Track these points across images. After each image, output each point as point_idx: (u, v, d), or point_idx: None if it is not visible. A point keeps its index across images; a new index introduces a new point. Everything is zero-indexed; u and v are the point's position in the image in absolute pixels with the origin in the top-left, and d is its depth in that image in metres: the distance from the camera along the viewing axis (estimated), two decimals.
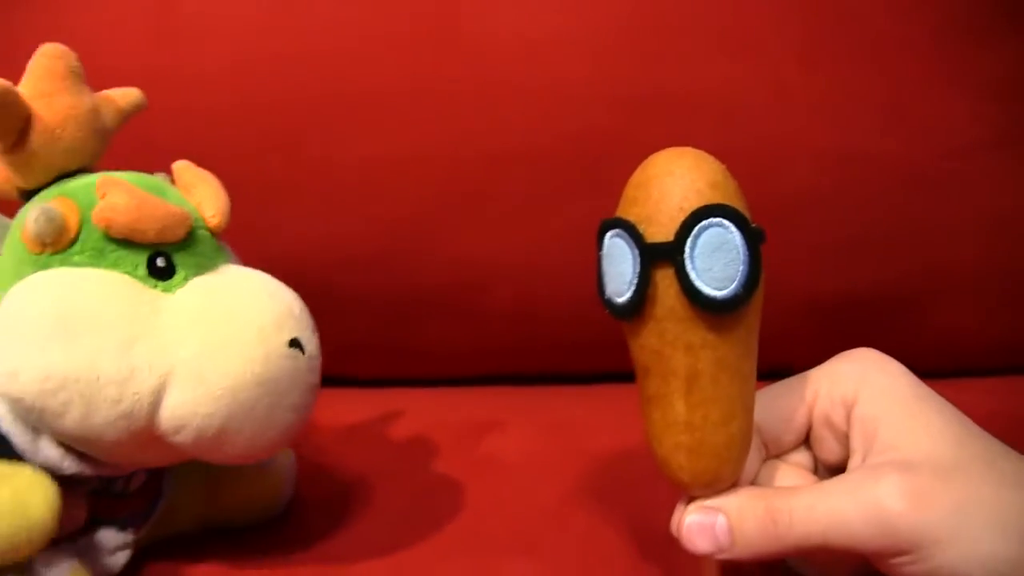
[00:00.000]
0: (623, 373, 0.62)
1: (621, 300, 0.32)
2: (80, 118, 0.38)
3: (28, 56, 0.38)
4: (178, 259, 0.38)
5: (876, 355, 0.36)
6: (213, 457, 0.37)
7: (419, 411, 0.59)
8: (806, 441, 0.37)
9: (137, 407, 0.34)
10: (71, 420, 0.34)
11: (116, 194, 0.36)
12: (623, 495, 0.46)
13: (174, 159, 0.41)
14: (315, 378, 0.38)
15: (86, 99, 0.39)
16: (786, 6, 0.58)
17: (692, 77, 0.57)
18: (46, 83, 0.38)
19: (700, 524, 0.33)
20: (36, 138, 0.37)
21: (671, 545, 0.39)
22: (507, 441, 0.54)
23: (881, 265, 0.60)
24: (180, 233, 0.37)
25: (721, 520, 0.32)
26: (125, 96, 0.41)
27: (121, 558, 0.39)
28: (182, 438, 0.35)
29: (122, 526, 0.40)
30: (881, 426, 0.33)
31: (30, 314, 0.34)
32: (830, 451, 0.36)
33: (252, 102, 0.57)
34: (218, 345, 0.35)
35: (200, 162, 0.41)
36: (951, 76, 0.58)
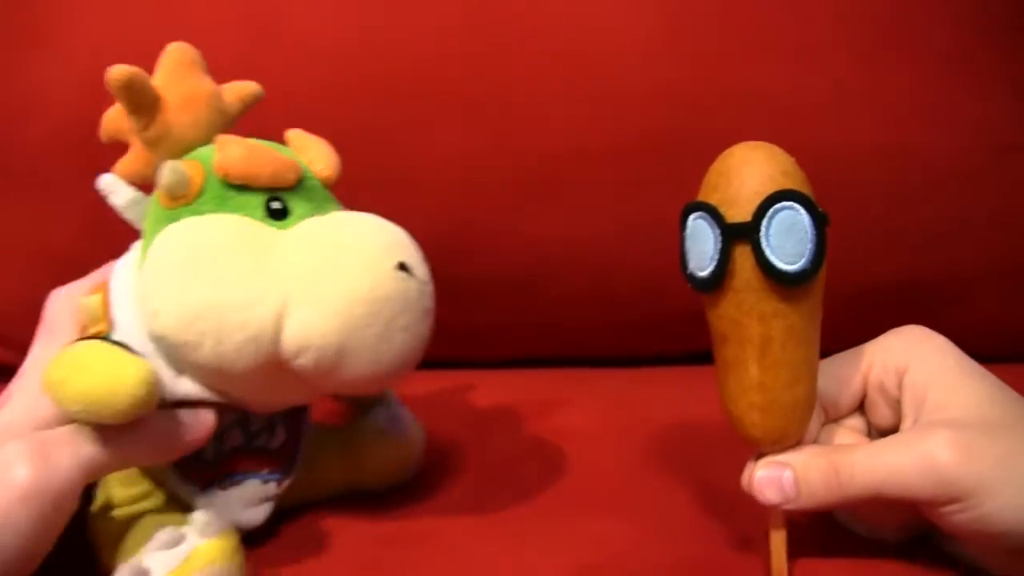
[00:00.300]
0: (684, 356, 0.67)
1: (703, 274, 0.35)
2: (202, 100, 0.42)
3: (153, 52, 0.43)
4: (292, 202, 0.41)
5: (925, 330, 0.40)
6: (337, 384, 0.39)
7: (493, 389, 0.63)
8: (861, 407, 0.41)
9: (262, 331, 0.37)
10: (206, 350, 0.37)
11: (232, 146, 0.40)
12: (690, 461, 0.50)
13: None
14: (427, 302, 0.40)
15: (208, 84, 0.43)
16: (841, 11, 0.61)
17: (752, 77, 0.60)
18: (174, 72, 0.42)
19: (769, 477, 0.37)
20: (166, 117, 0.41)
21: (736, 504, 0.43)
22: (579, 415, 0.58)
23: (927, 253, 0.63)
24: (291, 178, 0.41)
25: (788, 473, 0.36)
26: (245, 87, 0.45)
27: (264, 510, 0.43)
28: (305, 361, 0.37)
29: (264, 480, 0.43)
30: (930, 391, 0.37)
31: (165, 259, 0.38)
32: (883, 416, 0.39)
33: (340, 102, 0.61)
34: (330, 269, 0.37)
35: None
36: (994, 78, 0.61)
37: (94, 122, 0.61)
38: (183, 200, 0.40)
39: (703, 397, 0.57)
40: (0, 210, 0.65)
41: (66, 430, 0.35)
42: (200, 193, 0.40)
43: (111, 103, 0.60)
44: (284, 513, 0.45)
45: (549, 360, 0.69)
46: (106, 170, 0.61)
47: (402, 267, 0.38)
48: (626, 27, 0.61)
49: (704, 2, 0.61)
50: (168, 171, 0.39)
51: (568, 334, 0.68)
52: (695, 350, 0.67)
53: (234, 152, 0.40)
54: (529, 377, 0.67)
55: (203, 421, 0.39)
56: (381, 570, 0.41)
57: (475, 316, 0.65)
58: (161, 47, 0.60)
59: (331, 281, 0.37)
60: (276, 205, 0.40)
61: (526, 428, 0.56)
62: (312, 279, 0.37)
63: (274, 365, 0.38)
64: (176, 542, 0.36)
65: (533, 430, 0.56)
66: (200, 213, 0.40)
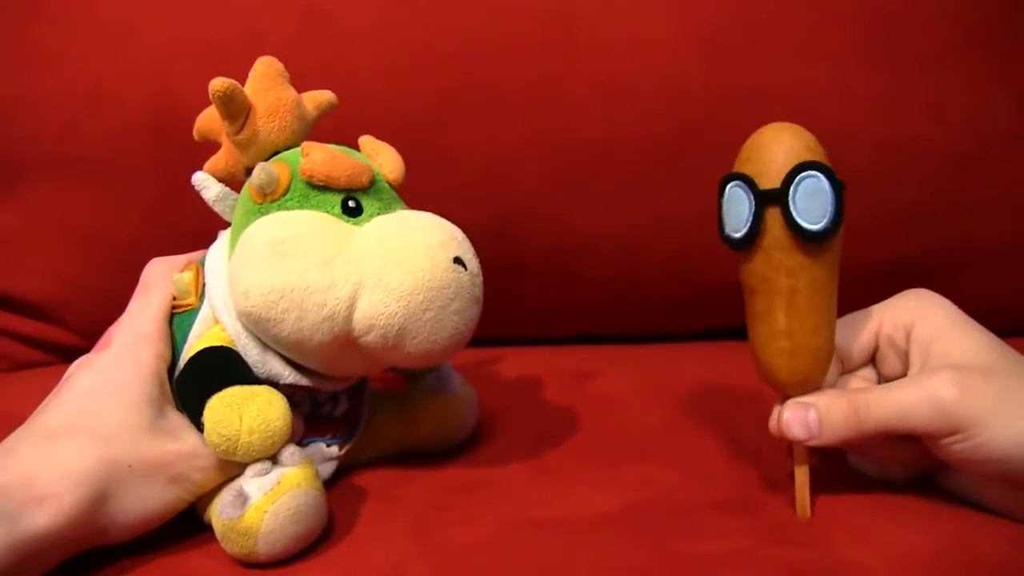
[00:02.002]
0: (705, 332, 0.71)
1: (738, 235, 0.41)
2: (287, 107, 0.47)
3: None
4: (365, 202, 0.46)
5: (930, 292, 0.45)
6: (397, 358, 0.44)
7: (530, 363, 0.67)
8: (872, 360, 0.46)
9: (337, 311, 0.42)
10: (288, 325, 0.42)
11: (316, 152, 0.45)
12: (717, 418, 0.55)
13: (330, 141, 0.49)
14: (477, 291, 0.45)
15: (291, 93, 0.48)
16: (849, 15, 0.65)
17: (767, 75, 0.65)
18: (262, 82, 0.47)
19: (795, 416, 0.42)
20: (255, 122, 0.47)
21: (761, 452, 0.48)
22: (612, 383, 0.63)
23: (929, 237, 0.67)
24: (364, 181, 0.46)
25: (812, 412, 0.41)
26: (322, 96, 0.51)
27: (327, 469, 0.48)
28: (372, 338, 0.43)
29: (328, 443, 0.48)
30: (935, 342, 0.42)
31: (255, 246, 0.43)
32: (891, 367, 0.44)
33: (391, 95, 0.65)
34: (396, 260, 0.42)
35: (346, 144, 0.49)
36: (992, 73, 0.66)
37: (156, 116, 0.66)
38: (271, 197, 0.45)
39: (725, 367, 0.63)
40: (64, 199, 0.68)
41: None
42: (286, 191, 0.45)
43: (171, 99, 0.65)
44: (349, 470, 0.50)
45: (580, 338, 0.73)
46: (167, 162, 0.66)
47: (457, 260, 0.44)
48: (653, 28, 0.65)
49: (724, 5, 0.65)
50: (261, 172, 0.45)
51: (597, 313, 0.72)
52: (715, 327, 0.72)
53: (318, 157, 0.45)
54: (562, 352, 0.71)
55: (298, 423, 0.46)
56: (444, 512, 0.45)
57: (511, 297, 0.69)
58: (223, 46, 0.65)
59: (396, 270, 0.42)
60: (352, 204, 0.46)
61: (564, 394, 0.61)
62: (380, 268, 0.42)
63: (345, 341, 0.43)
64: (268, 471, 0.41)
65: (571, 396, 0.61)
66: (286, 209, 0.45)
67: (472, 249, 0.46)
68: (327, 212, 0.45)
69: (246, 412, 0.41)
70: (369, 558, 0.41)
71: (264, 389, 0.43)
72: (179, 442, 0.42)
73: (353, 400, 0.50)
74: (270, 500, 0.40)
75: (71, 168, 0.68)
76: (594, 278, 0.70)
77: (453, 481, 0.49)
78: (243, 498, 0.40)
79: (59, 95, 0.66)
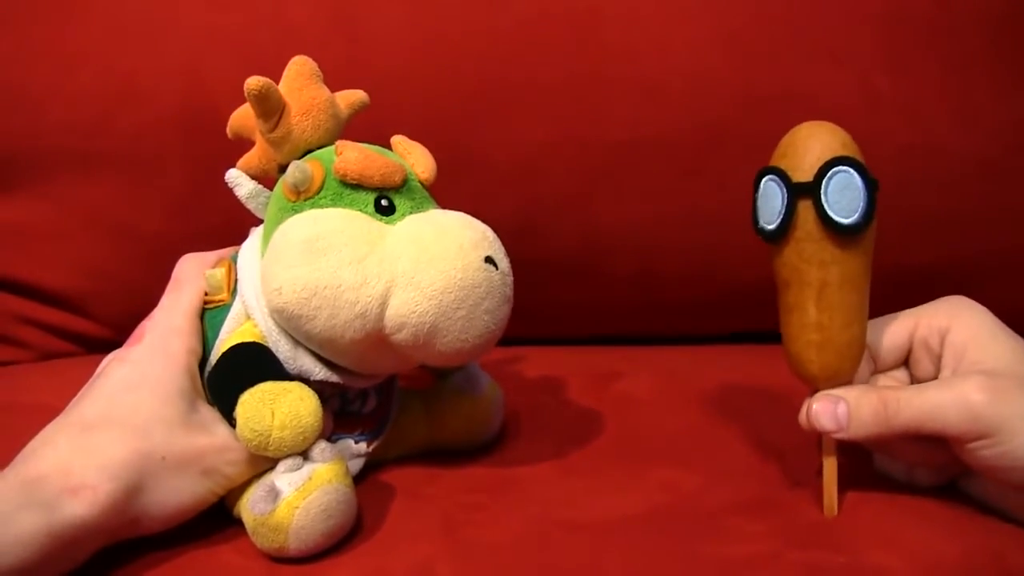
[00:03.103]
0: (727, 335, 0.72)
1: (771, 227, 0.41)
2: (320, 106, 0.48)
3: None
4: (398, 201, 0.46)
5: (965, 299, 0.45)
6: (428, 356, 0.45)
7: (552, 363, 0.67)
8: (905, 362, 0.46)
9: (369, 308, 0.42)
10: (320, 322, 0.43)
11: (349, 151, 0.45)
12: (741, 420, 0.55)
13: (362, 140, 0.49)
14: (508, 291, 0.45)
15: (325, 93, 0.49)
16: (876, 19, 0.65)
17: (791, 79, 0.65)
18: (296, 81, 0.48)
19: (825, 408, 0.42)
20: (289, 120, 0.47)
21: (786, 453, 0.49)
22: (634, 384, 0.63)
23: (955, 243, 0.67)
24: (397, 180, 0.46)
25: (842, 405, 0.42)
26: (355, 95, 0.51)
27: (355, 465, 0.48)
28: (403, 336, 0.43)
29: (356, 440, 0.49)
30: (969, 348, 0.42)
31: (288, 243, 0.44)
32: (924, 369, 0.45)
33: (421, 96, 0.65)
34: (428, 259, 0.43)
35: (378, 143, 0.49)
36: (1015, 80, 0.66)
37: (187, 112, 0.67)
38: (305, 195, 0.46)
39: (749, 370, 0.63)
40: (95, 192, 0.69)
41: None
42: (320, 189, 0.45)
43: (202, 95, 0.66)
44: (377, 467, 0.50)
45: (603, 338, 0.73)
46: (197, 158, 0.67)
47: (488, 260, 0.44)
48: (677, 31, 0.66)
49: (751, 8, 0.66)
50: (295, 169, 0.45)
51: (622, 313, 0.72)
52: (739, 330, 0.72)
53: (351, 156, 0.45)
54: (585, 352, 0.71)
55: (328, 420, 0.46)
56: (471, 512, 0.45)
57: (536, 296, 0.69)
58: (254, 42, 0.65)
59: (429, 269, 0.42)
60: (384, 203, 0.46)
61: (588, 394, 0.61)
62: (413, 267, 0.43)
63: (377, 338, 0.44)
64: (299, 466, 0.42)
65: (595, 396, 0.61)
66: (320, 207, 0.45)
67: (503, 248, 0.46)
68: (360, 210, 0.45)
69: (278, 408, 0.41)
70: (398, 556, 0.42)
71: (296, 385, 0.43)
72: (211, 436, 0.43)
73: (382, 397, 0.51)
74: (301, 496, 0.40)
75: (102, 161, 0.68)
76: (619, 278, 0.70)
77: (480, 480, 0.49)
78: (274, 493, 0.41)
79: (92, 90, 0.67)
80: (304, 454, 0.43)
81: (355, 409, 0.49)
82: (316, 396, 0.43)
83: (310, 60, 0.49)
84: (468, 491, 0.48)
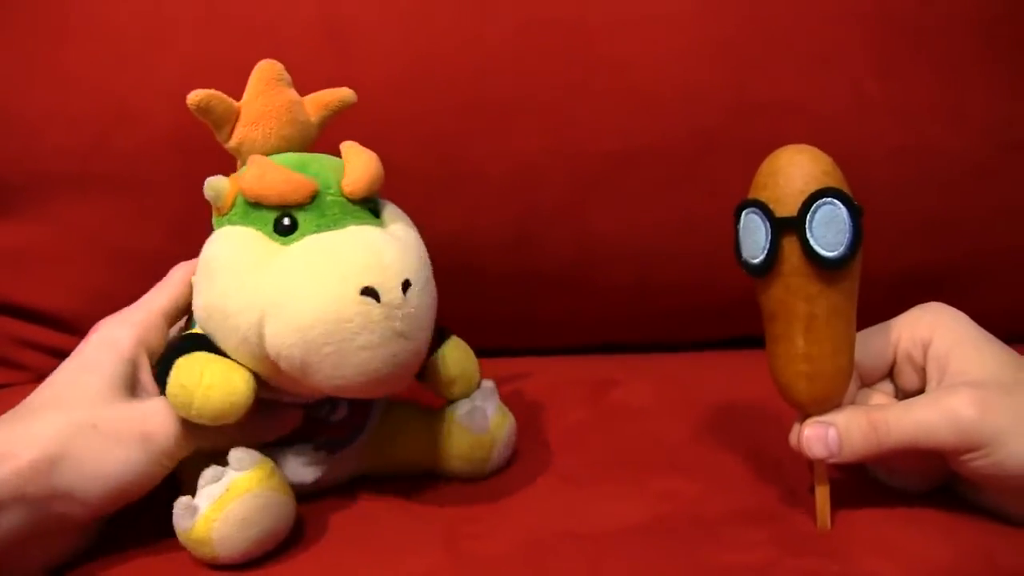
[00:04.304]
0: (723, 341, 0.72)
1: (755, 261, 0.41)
2: (274, 113, 0.47)
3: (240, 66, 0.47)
4: (303, 218, 0.43)
5: (946, 306, 0.45)
6: (317, 389, 0.43)
7: (549, 372, 0.67)
8: (890, 374, 0.46)
9: (250, 335, 0.42)
10: (222, 343, 0.43)
11: (251, 167, 0.45)
12: (738, 430, 0.56)
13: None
14: (397, 326, 0.40)
15: (285, 98, 0.47)
16: (865, 26, 0.66)
17: (786, 86, 0.65)
18: (255, 87, 0.47)
19: (816, 434, 0.42)
20: (240, 130, 0.47)
21: (782, 464, 0.49)
22: (632, 393, 0.63)
23: (947, 244, 0.68)
24: (298, 198, 0.43)
25: (832, 431, 0.42)
26: (332, 94, 0.50)
27: (311, 473, 0.47)
28: (284, 366, 0.41)
29: (317, 447, 0.48)
30: (952, 358, 0.43)
31: (200, 261, 0.45)
32: (909, 381, 0.45)
33: (414, 110, 0.65)
34: (296, 288, 0.40)
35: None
36: (1006, 81, 0.66)
37: (183, 132, 0.67)
38: (220, 212, 0.46)
39: (745, 377, 0.63)
40: (92, 214, 0.69)
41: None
42: (232, 206, 0.45)
43: (199, 117, 0.66)
44: (376, 481, 0.50)
45: (600, 347, 0.73)
46: (193, 177, 0.67)
47: (367, 291, 0.40)
48: (667, 40, 0.66)
49: (738, 16, 0.66)
50: (207, 187, 0.45)
51: (618, 322, 0.72)
52: (736, 336, 0.72)
53: (248, 174, 0.45)
54: (583, 361, 0.72)
55: (290, 416, 0.47)
56: (472, 524, 0.46)
57: (532, 306, 0.70)
58: (247, 61, 0.66)
59: (295, 300, 0.40)
60: (286, 222, 0.44)
61: (586, 404, 0.62)
62: (283, 297, 0.41)
63: (272, 363, 0.42)
64: (218, 477, 0.42)
65: (593, 405, 0.61)
66: (232, 224, 0.45)
67: (419, 274, 0.42)
68: (260, 230, 0.44)
69: (208, 369, 0.42)
70: (401, 568, 0.42)
71: (235, 362, 0.43)
72: (148, 403, 0.44)
73: (355, 407, 0.49)
74: (218, 509, 0.41)
75: (99, 184, 0.68)
76: (615, 287, 0.70)
77: (480, 492, 0.50)
78: (192, 509, 0.41)
79: (87, 113, 0.67)
80: (224, 462, 0.42)
81: (322, 416, 0.49)
82: (249, 372, 0.43)
83: (276, 64, 0.48)
84: (468, 503, 0.48)
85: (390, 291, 0.40)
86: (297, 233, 0.43)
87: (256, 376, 0.43)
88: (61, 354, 0.72)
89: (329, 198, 0.44)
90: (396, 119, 0.65)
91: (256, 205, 0.44)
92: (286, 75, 0.48)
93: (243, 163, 0.48)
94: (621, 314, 0.72)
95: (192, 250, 0.66)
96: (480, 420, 0.50)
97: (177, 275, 0.50)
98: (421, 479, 0.51)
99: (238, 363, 0.43)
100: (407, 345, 0.42)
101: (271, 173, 0.44)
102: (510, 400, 0.54)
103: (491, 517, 0.47)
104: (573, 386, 0.65)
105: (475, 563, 0.43)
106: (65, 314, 0.71)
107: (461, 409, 0.51)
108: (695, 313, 0.71)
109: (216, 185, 0.45)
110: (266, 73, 0.47)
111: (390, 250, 0.42)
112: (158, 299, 0.48)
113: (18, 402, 0.67)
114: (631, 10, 0.66)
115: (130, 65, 0.67)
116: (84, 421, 0.41)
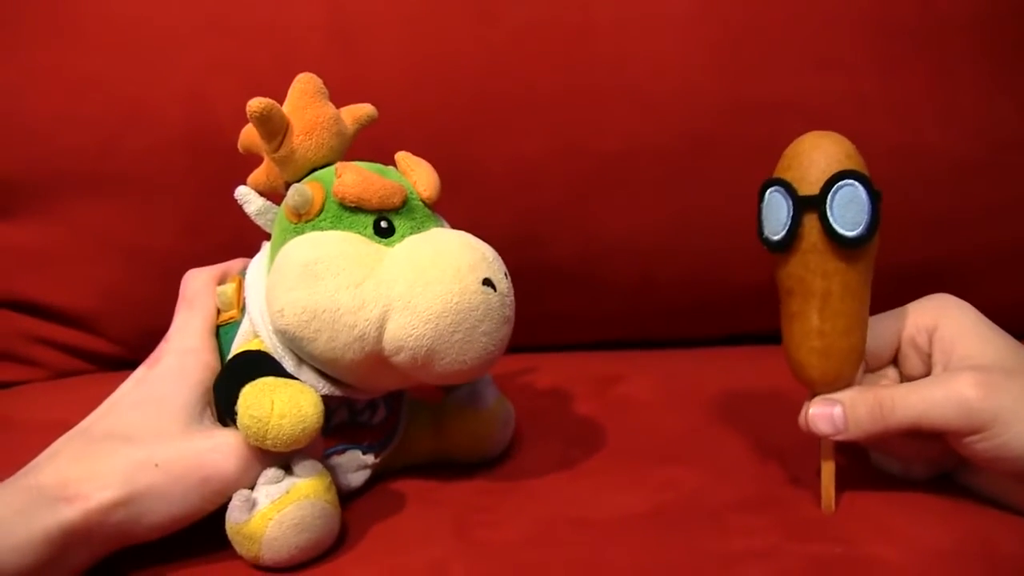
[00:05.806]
0: (726, 337, 0.73)
1: (776, 238, 0.42)
2: (324, 124, 0.48)
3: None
4: (398, 222, 0.46)
5: (950, 296, 0.46)
6: (428, 376, 0.45)
7: (554, 368, 0.68)
8: (895, 360, 0.47)
9: (367, 331, 0.43)
10: (321, 344, 0.43)
11: (348, 174, 0.46)
12: (741, 420, 0.57)
13: (363, 156, 0.50)
14: (506, 312, 0.45)
15: (329, 110, 0.49)
16: (864, 26, 0.67)
17: (785, 86, 0.66)
18: (300, 100, 0.48)
19: (822, 412, 0.43)
20: (293, 140, 0.48)
21: (785, 452, 0.50)
22: (635, 388, 0.64)
23: (941, 242, 0.69)
24: (396, 201, 0.46)
25: (838, 408, 0.43)
26: (361, 110, 0.52)
27: (361, 476, 0.49)
28: (401, 359, 0.43)
29: (364, 451, 0.49)
30: (957, 344, 0.43)
31: (289, 266, 0.44)
32: (914, 367, 0.46)
33: (419, 111, 0.67)
34: (424, 282, 0.43)
35: (379, 158, 0.50)
36: (999, 81, 0.67)
37: (193, 133, 0.68)
38: (306, 217, 0.46)
39: (747, 372, 0.64)
40: (104, 214, 0.70)
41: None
42: (320, 212, 0.46)
43: (207, 116, 0.67)
44: (385, 475, 0.51)
45: (604, 343, 0.74)
46: (204, 177, 0.68)
47: (486, 282, 0.44)
48: (668, 41, 0.67)
49: (740, 18, 0.67)
50: (295, 193, 0.46)
51: (621, 319, 0.74)
52: (737, 332, 0.74)
53: (349, 180, 0.46)
54: (587, 358, 0.73)
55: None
56: (481, 513, 0.47)
57: (537, 303, 0.70)
58: (257, 63, 0.67)
59: (425, 293, 0.43)
60: (384, 225, 0.46)
61: (590, 399, 0.63)
62: (409, 290, 0.43)
63: (377, 359, 0.44)
64: (279, 479, 0.43)
65: (597, 400, 0.62)
66: (320, 229, 0.45)
67: (503, 268, 0.46)
68: (359, 232, 0.45)
69: (278, 397, 0.42)
70: (412, 557, 0.43)
71: (297, 382, 0.44)
72: (210, 439, 0.43)
73: (391, 408, 0.51)
74: (276, 508, 0.41)
75: (111, 184, 0.70)
76: (617, 284, 0.71)
77: (488, 483, 0.51)
78: (251, 503, 0.42)
79: (99, 114, 0.68)
80: (287, 468, 0.43)
81: (364, 420, 0.50)
82: (317, 394, 0.44)
83: (315, 77, 0.49)
84: (477, 494, 0.49)
85: (500, 281, 0.45)
86: (396, 235, 0.46)
87: (332, 380, 0.46)
88: (77, 352, 0.74)
89: (413, 202, 0.47)
90: (401, 118, 0.65)
91: (354, 210, 0.46)
92: (324, 88, 0.49)
93: (290, 172, 0.49)
94: (625, 310, 0.73)
95: (203, 248, 0.67)
96: (479, 397, 0.52)
97: (202, 286, 0.50)
98: (431, 470, 0.52)
99: (302, 382, 0.45)
100: (509, 329, 0.46)
101: (371, 179, 0.46)
102: (516, 394, 0.55)
103: (500, 506, 0.48)
104: (578, 381, 0.65)
105: (486, 550, 0.43)
106: (79, 312, 0.73)
107: (462, 392, 0.53)
108: (698, 309, 0.72)
109: (304, 191, 0.45)
110: (309, 86, 0.48)
111: (485, 247, 0.46)
112: (202, 316, 0.49)
113: (34, 398, 0.69)
114: (633, 12, 0.67)
115: (142, 67, 0.69)
116: (147, 460, 0.41)
